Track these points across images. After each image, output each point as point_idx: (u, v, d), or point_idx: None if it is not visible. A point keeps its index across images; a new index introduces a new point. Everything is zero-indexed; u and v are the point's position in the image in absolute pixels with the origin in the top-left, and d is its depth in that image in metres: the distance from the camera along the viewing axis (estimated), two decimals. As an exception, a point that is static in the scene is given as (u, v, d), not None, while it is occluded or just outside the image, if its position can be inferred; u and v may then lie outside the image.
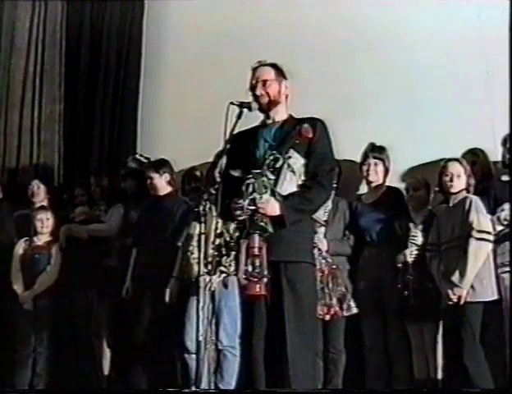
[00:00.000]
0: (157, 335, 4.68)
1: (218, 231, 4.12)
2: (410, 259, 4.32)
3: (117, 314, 5.15)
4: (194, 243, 4.49)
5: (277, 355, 3.29)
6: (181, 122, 5.83)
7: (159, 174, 5.02)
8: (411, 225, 4.38)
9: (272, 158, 3.39)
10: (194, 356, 4.33)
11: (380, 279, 4.53)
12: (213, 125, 5.44)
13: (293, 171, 3.37)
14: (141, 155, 5.61)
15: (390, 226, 4.56)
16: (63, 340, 5.24)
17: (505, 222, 4.08)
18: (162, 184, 5.01)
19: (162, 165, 5.05)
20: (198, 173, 5.23)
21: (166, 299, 4.62)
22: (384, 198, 4.71)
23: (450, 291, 4.06)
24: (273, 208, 3.28)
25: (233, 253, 3.73)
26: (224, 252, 3.93)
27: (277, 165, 3.36)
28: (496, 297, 4.06)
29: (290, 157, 3.37)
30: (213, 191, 3.34)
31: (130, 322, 4.87)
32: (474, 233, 4.03)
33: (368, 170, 4.72)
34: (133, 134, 5.99)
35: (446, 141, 4.69)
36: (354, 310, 4.41)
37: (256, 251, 3.17)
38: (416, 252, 4.33)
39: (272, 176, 3.30)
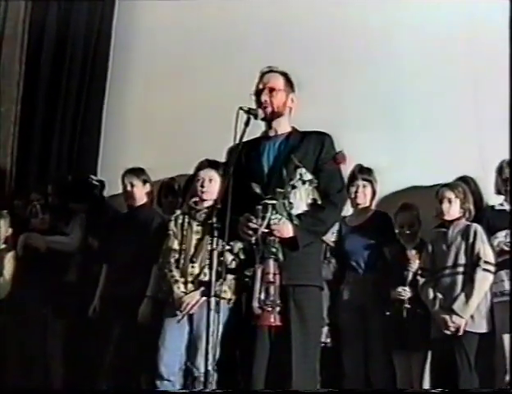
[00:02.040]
0: (127, 358, 4.39)
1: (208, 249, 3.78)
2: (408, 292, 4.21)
3: (76, 335, 4.78)
4: (172, 259, 4.24)
5: (280, 384, 3.09)
6: (149, 130, 5.57)
7: (142, 182, 4.75)
8: (408, 251, 4.26)
9: (281, 174, 3.15)
10: (166, 383, 4.11)
11: (364, 306, 4.37)
12: (184, 135, 5.45)
13: (303, 190, 3.13)
14: (93, 178, 5.32)
15: (378, 250, 4.42)
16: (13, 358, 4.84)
17: (497, 249, 4.04)
18: (141, 193, 4.74)
19: (143, 173, 4.79)
20: (176, 186, 4.97)
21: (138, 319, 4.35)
22: (371, 221, 4.55)
23: (448, 320, 3.96)
24: (288, 230, 3.07)
25: (229, 276, 3.45)
26: (218, 274, 3.60)
27: (286, 182, 3.12)
28: (489, 329, 4.00)
29: (300, 176, 3.14)
30: (219, 205, 3.01)
31: (93, 344, 4.54)
32: (482, 263, 3.96)
33: (356, 192, 4.54)
34: (96, 140, 5.67)
35: (433, 167, 4.63)
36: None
37: (271, 278, 2.95)
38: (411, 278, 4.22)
39: (293, 197, 3.06)
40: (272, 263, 2.97)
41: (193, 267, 4.16)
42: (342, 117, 4.74)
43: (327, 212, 3.18)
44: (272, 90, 3.30)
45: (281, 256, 3.01)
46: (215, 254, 2.93)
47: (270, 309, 2.91)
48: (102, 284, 4.65)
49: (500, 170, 4.25)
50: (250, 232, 3.05)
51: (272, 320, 2.91)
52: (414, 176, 4.71)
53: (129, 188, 4.71)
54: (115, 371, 4.40)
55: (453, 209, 4.15)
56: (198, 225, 4.24)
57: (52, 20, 5.79)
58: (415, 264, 4.21)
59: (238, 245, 3.11)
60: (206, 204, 4.28)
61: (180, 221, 4.31)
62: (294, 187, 3.09)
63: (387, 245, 4.41)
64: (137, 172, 4.75)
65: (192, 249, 4.19)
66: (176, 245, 4.25)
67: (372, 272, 4.40)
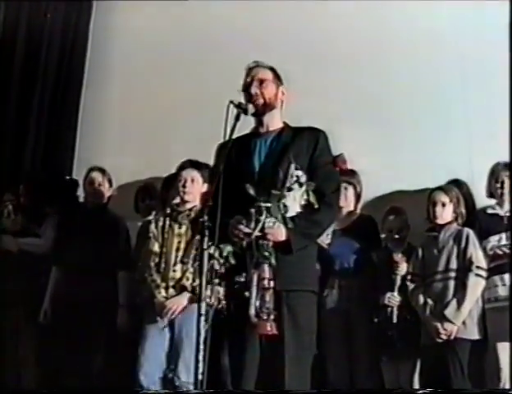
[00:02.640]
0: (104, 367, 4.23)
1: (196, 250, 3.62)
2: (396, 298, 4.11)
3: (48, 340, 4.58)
4: (152, 263, 4.07)
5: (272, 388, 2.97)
6: (126, 130, 5.40)
7: (108, 183, 4.67)
8: (394, 254, 4.15)
9: (273, 174, 3.01)
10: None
11: (348, 312, 4.25)
12: (161, 135, 5.31)
13: (295, 191, 2.97)
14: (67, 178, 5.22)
15: (363, 255, 4.30)
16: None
17: (491, 254, 3.97)
18: (106, 194, 4.65)
19: (108, 174, 4.69)
20: (152, 190, 4.85)
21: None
22: (355, 225, 4.42)
23: (440, 327, 3.87)
24: (281, 233, 2.92)
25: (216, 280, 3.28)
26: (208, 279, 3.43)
27: (279, 183, 2.97)
28: (481, 336, 3.92)
29: (296, 176, 2.98)
30: (210, 203, 2.83)
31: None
32: (474, 268, 3.89)
33: None
34: (72, 140, 5.48)
35: (423, 170, 4.56)
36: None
37: (266, 283, 2.80)
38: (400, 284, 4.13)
39: (289, 201, 2.90)
40: (266, 268, 2.83)
41: (174, 271, 4.01)
42: (330, 117, 4.60)
43: (323, 213, 3.04)
44: (261, 82, 3.18)
45: (273, 261, 2.87)
46: (205, 254, 2.74)
47: (266, 317, 2.77)
48: (54, 287, 4.52)
49: (492, 173, 4.17)
50: (242, 236, 2.90)
51: (269, 329, 2.77)
52: (402, 179, 4.63)
53: (96, 185, 4.61)
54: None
55: (446, 213, 4.08)
56: (179, 227, 4.10)
57: (27, 18, 5.61)
58: (403, 268, 4.11)
59: (227, 249, 2.92)
60: (188, 206, 4.15)
61: (160, 223, 4.17)
62: (290, 189, 2.95)
63: (374, 249, 4.31)
64: (104, 171, 4.67)
65: (173, 253, 4.05)
66: (156, 248, 4.10)
67: (356, 277, 4.27)
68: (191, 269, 3.95)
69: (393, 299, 4.10)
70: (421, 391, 3.99)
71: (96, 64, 5.59)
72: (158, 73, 5.38)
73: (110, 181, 4.71)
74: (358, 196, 4.50)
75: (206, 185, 4.12)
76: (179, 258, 3.96)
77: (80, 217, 4.68)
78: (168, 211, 4.19)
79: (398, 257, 4.15)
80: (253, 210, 2.88)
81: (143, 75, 5.40)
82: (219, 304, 3.22)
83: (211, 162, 4.02)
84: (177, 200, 4.19)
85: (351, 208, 4.48)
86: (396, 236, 4.29)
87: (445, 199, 4.07)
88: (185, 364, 3.91)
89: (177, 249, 4.06)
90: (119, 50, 5.57)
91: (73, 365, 4.28)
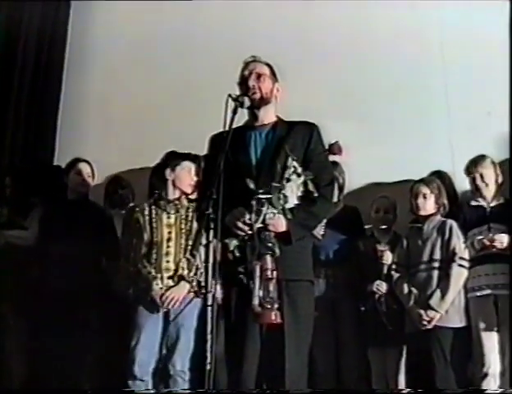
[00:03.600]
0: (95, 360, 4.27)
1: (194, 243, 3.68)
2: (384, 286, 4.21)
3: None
4: (143, 253, 4.09)
5: (273, 380, 3.03)
6: (106, 125, 5.44)
7: (92, 175, 4.68)
8: (378, 244, 4.26)
9: (271, 167, 3.09)
10: (139, 383, 3.97)
11: (335, 301, 4.35)
12: (141, 129, 5.31)
13: (293, 182, 3.05)
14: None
15: (348, 245, 4.41)
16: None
17: (478, 248, 4.06)
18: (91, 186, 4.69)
19: (89, 163, 4.73)
20: (123, 180, 4.96)
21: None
22: (341, 216, 4.51)
23: (423, 314, 3.97)
24: (282, 224, 3.00)
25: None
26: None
27: (277, 175, 3.05)
28: (464, 324, 4.03)
29: (289, 166, 3.06)
30: (214, 196, 2.88)
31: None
32: (457, 259, 4.00)
33: None
34: (52, 132, 5.47)
35: (405, 162, 4.66)
36: None
37: (269, 274, 2.86)
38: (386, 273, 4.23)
39: (289, 191, 2.98)
40: (269, 258, 2.90)
41: (167, 262, 4.04)
42: (314, 110, 4.67)
43: (319, 205, 3.13)
44: (259, 76, 3.25)
45: (277, 251, 2.94)
46: (211, 247, 2.80)
47: (269, 306, 2.83)
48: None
49: (467, 169, 4.28)
50: (245, 228, 2.96)
51: (274, 318, 2.83)
52: (386, 172, 4.74)
53: (85, 176, 4.64)
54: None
55: (428, 205, 4.19)
56: (168, 217, 4.13)
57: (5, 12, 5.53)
58: (388, 257, 4.22)
59: (233, 242, 3.01)
60: (177, 195, 4.19)
61: (146, 212, 4.16)
62: (288, 180, 3.02)
63: (360, 239, 4.41)
64: (89, 163, 4.71)
65: (165, 243, 4.07)
66: (146, 238, 4.10)
67: (343, 267, 4.37)
68: (184, 260, 4.00)
69: (381, 286, 4.20)
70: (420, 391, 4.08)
71: (75, 55, 5.61)
72: (140, 65, 5.41)
73: (93, 173, 4.74)
74: (341, 188, 4.59)
75: (195, 177, 4.18)
76: (182, 251, 4.00)
77: (65, 207, 4.68)
78: (153, 200, 4.21)
79: (382, 247, 4.25)
80: (254, 202, 2.95)
81: (124, 67, 5.44)
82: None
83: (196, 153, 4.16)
84: (167, 190, 4.21)
85: (335, 200, 4.57)
86: (381, 215, 4.40)
87: (426, 190, 4.18)
88: (181, 353, 3.97)
89: (168, 240, 4.09)
90: (99, 41, 5.58)
91: (63, 359, 4.27)
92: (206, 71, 5.17)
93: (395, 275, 4.20)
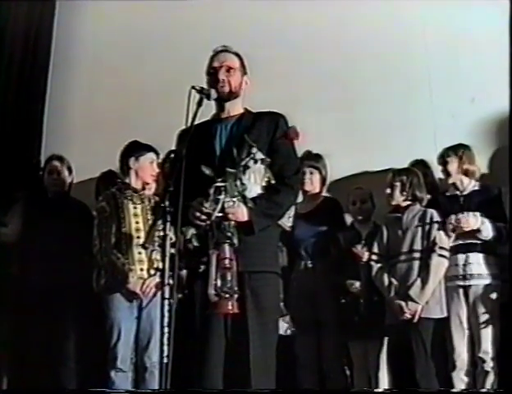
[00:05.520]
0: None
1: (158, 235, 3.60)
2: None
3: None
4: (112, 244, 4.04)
5: (238, 373, 2.96)
6: (92, 123, 5.37)
7: (68, 171, 4.62)
8: (354, 249, 4.20)
9: (233, 156, 3.00)
10: (121, 374, 3.96)
11: (315, 294, 4.28)
12: (127, 127, 5.29)
13: (256, 172, 2.97)
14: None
15: (329, 237, 4.34)
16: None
17: (452, 234, 3.99)
18: (67, 182, 4.62)
19: (62, 158, 4.66)
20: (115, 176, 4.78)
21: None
22: (321, 208, 4.46)
23: (404, 306, 3.90)
24: (243, 213, 2.92)
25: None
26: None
27: (237, 162, 2.96)
28: (445, 315, 3.96)
29: (253, 156, 2.98)
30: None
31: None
32: (437, 249, 3.93)
33: (303, 179, 4.37)
34: (38, 131, 5.42)
35: (386, 151, 4.59)
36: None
37: (227, 263, 2.80)
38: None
39: (246, 179, 2.91)
40: (227, 248, 2.82)
41: (140, 253, 4.00)
42: (294, 100, 4.63)
43: (283, 194, 3.06)
44: (229, 69, 3.18)
45: (235, 241, 2.87)
46: (168, 239, 2.75)
47: (227, 296, 2.76)
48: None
49: (441, 159, 4.22)
50: (203, 217, 2.90)
51: (230, 307, 2.76)
52: (367, 161, 4.65)
53: (55, 175, 4.59)
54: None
55: (403, 194, 4.10)
56: (134, 208, 4.11)
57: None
58: (365, 258, 4.15)
59: (191, 231, 2.95)
60: (140, 186, 4.20)
61: (112, 201, 4.14)
62: (246, 167, 2.94)
63: (340, 231, 4.34)
64: (62, 159, 4.64)
65: (134, 233, 4.04)
66: (114, 229, 4.07)
67: (322, 260, 4.31)
68: (157, 252, 3.95)
69: (354, 285, 4.17)
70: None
71: (62, 54, 5.56)
72: (126, 63, 5.39)
73: (69, 169, 4.67)
74: (323, 180, 4.54)
75: (157, 169, 4.21)
76: (141, 240, 3.96)
77: (45, 204, 4.65)
78: (116, 188, 4.18)
79: (357, 250, 4.19)
80: (211, 190, 2.88)
81: (110, 65, 5.40)
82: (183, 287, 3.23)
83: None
84: (130, 179, 4.19)
85: (316, 191, 4.51)
86: (358, 205, 4.35)
87: (402, 179, 4.09)
88: (156, 345, 3.92)
89: (137, 230, 4.06)
90: (86, 42, 5.57)
91: (46, 355, 4.27)
92: (190, 67, 5.12)
93: (375, 266, 4.13)
